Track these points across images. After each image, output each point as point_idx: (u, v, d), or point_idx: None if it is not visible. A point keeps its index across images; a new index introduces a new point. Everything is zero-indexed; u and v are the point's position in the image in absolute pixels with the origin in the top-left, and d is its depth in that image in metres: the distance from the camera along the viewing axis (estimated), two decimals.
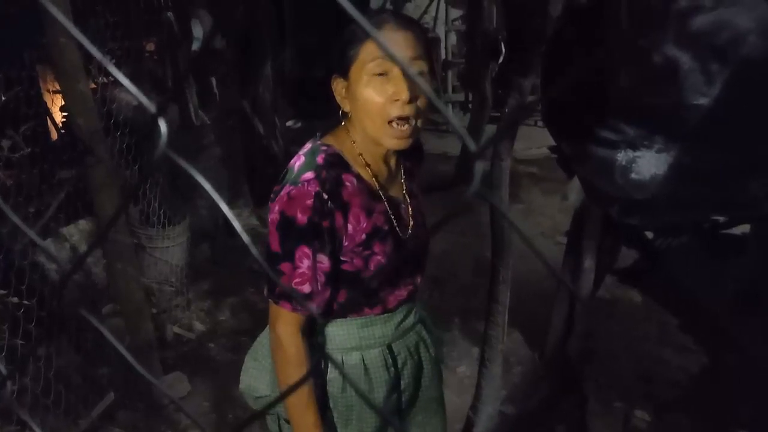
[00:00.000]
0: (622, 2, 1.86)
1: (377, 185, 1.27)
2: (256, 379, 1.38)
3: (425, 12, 8.01)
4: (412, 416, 1.44)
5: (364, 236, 1.22)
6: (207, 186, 0.36)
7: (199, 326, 3.31)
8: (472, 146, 0.32)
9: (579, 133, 1.97)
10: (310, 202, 1.15)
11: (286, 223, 1.17)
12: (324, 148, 1.24)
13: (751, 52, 1.67)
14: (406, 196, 1.35)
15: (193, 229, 3.72)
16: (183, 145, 4.01)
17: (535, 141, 5.74)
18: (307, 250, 1.17)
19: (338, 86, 1.25)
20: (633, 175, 1.95)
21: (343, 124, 1.28)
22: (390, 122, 1.18)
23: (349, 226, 1.21)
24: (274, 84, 4.93)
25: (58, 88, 3.73)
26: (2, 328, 1.78)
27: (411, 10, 7.86)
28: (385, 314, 1.33)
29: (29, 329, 2.16)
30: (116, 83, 3.34)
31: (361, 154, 1.26)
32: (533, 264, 3.82)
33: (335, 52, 1.24)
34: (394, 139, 1.20)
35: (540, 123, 6.83)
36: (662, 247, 3.55)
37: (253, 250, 0.39)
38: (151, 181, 3.34)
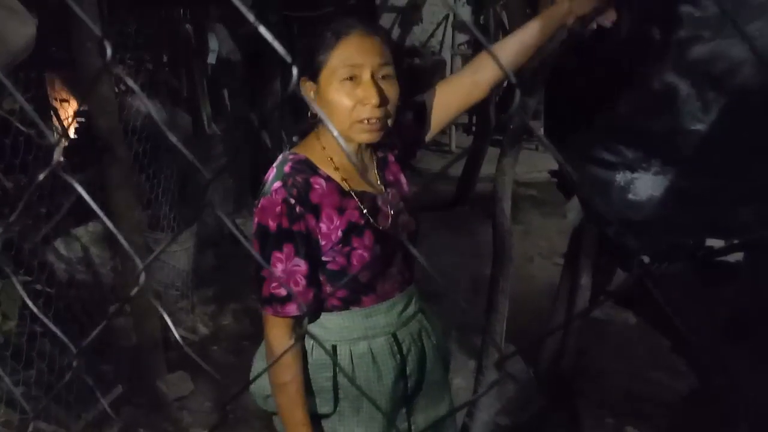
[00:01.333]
0: (624, 30, 1.95)
1: (348, 184, 1.32)
2: (264, 378, 1.42)
3: (432, 36, 8.16)
4: (417, 401, 1.50)
5: (340, 233, 1.28)
6: (328, 124, 0.46)
7: (202, 329, 3.38)
8: (513, 78, 0.42)
9: (580, 154, 2.05)
10: (278, 209, 1.23)
11: (261, 231, 1.25)
12: (291, 156, 1.31)
13: (745, 82, 1.75)
14: (383, 187, 1.40)
15: (199, 236, 3.79)
16: (194, 153, 4.09)
17: (535, 165, 5.84)
18: (279, 255, 1.24)
19: (307, 89, 1.30)
20: (630, 196, 2.03)
21: (314, 131, 1.36)
22: (360, 121, 1.25)
23: (323, 226, 1.27)
24: (282, 99, 5.04)
25: (65, 96, 3.83)
26: (24, 313, 1.85)
27: (418, 33, 8.00)
28: (386, 303, 1.38)
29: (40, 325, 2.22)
30: (130, 91, 3.43)
31: (331, 158, 1.32)
32: (532, 284, 3.90)
33: (304, 56, 1.29)
34: (364, 134, 1.27)
35: (541, 148, 6.94)
36: (657, 272, 3.62)
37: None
38: (163, 187, 3.43)
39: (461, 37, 8.04)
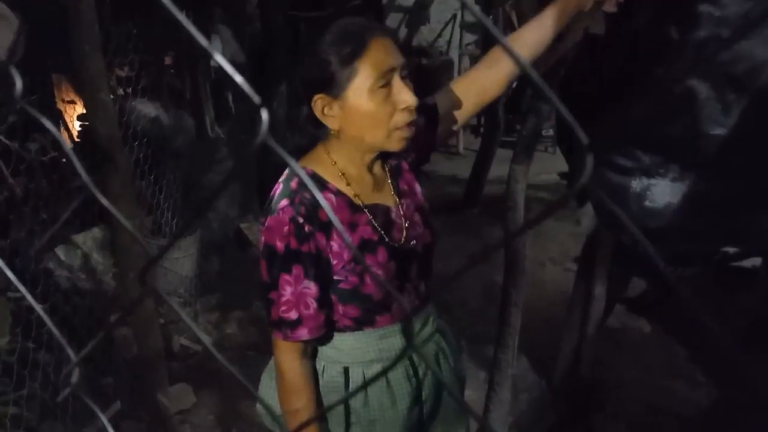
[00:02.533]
0: (640, 31, 1.88)
1: (360, 199, 1.25)
2: (273, 399, 1.34)
3: (439, 36, 8.09)
4: (433, 428, 1.42)
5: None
6: (299, 171, 0.38)
7: (206, 339, 3.31)
8: (584, 138, 0.34)
9: (594, 159, 1.97)
10: (286, 228, 1.15)
11: (268, 252, 1.17)
12: None
13: None
14: (396, 198, 1.32)
15: (204, 242, 3.73)
16: (198, 156, 4.05)
17: (545, 167, 5.75)
18: (288, 277, 1.16)
19: (322, 105, 1.19)
20: (647, 203, 1.95)
21: (320, 144, 1.27)
22: (399, 128, 1.19)
23: (334, 244, 1.19)
24: (288, 102, 4.98)
25: (72, 98, 3.79)
26: (15, 330, 1.79)
27: (425, 33, 7.94)
28: (401, 323, 1.31)
29: (41, 333, 2.16)
30: (134, 95, 3.38)
31: (342, 174, 1.24)
32: (543, 291, 3.81)
33: (316, 72, 1.18)
34: (402, 142, 1.21)
35: (551, 149, 6.85)
36: (673, 278, 3.54)
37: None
38: (165, 192, 3.37)
39: (469, 37, 7.98)
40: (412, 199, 1.36)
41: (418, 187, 1.40)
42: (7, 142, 2.22)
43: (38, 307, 0.67)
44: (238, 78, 0.37)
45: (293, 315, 1.18)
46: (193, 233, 3.56)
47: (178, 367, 2.89)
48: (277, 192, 1.21)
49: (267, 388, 1.40)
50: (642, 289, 3.61)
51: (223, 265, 4.05)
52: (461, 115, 1.42)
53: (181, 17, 0.39)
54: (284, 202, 1.16)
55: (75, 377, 0.57)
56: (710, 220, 1.95)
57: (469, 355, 3.11)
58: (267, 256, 1.18)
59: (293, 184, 1.19)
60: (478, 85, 1.40)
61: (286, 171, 1.23)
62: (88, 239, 3.32)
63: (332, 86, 1.17)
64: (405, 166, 1.39)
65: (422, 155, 1.44)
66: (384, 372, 0.57)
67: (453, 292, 3.76)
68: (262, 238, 1.19)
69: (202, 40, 0.38)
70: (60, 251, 3.17)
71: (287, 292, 1.17)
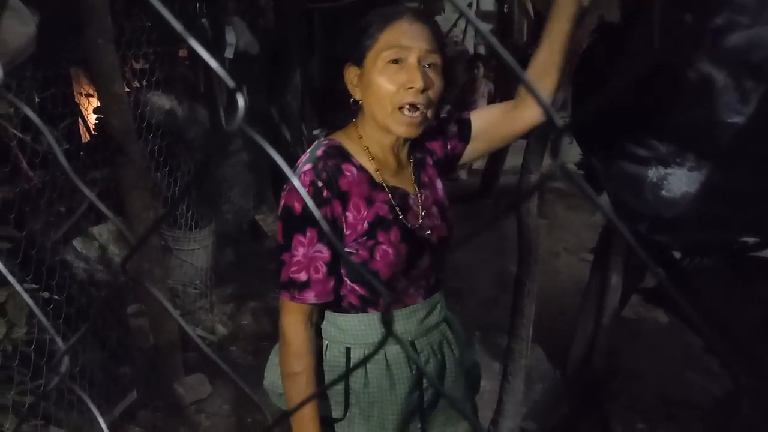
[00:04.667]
0: (656, 18, 1.85)
1: (381, 176, 1.27)
2: (278, 376, 1.36)
3: (454, 25, 8.04)
4: (434, 416, 1.42)
5: (366, 225, 1.22)
6: (281, 163, 0.38)
7: (221, 329, 3.33)
8: (558, 121, 0.34)
9: (609, 149, 1.95)
10: (305, 191, 1.17)
11: (286, 213, 1.20)
12: (326, 141, 1.27)
13: None
14: (416, 187, 1.34)
15: (219, 234, 3.75)
16: (212, 148, 4.06)
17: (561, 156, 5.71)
18: (302, 238, 1.19)
19: (351, 74, 1.27)
20: (663, 192, 1.93)
21: (353, 121, 1.31)
22: (401, 108, 1.20)
23: (349, 215, 1.21)
24: (301, 93, 4.98)
25: (90, 91, 3.81)
26: (32, 322, 1.82)
27: (441, 22, 7.89)
28: (407, 309, 1.32)
29: (57, 325, 2.19)
30: (149, 87, 3.39)
31: (367, 147, 1.28)
32: (557, 280, 3.79)
33: (350, 41, 1.26)
34: (403, 126, 1.22)
35: (567, 140, 6.81)
36: (689, 268, 3.50)
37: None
38: (180, 184, 3.39)
39: (484, 27, 7.92)
40: (431, 192, 1.37)
41: (439, 183, 1.41)
42: (20, 135, 2.23)
43: (26, 296, 0.67)
44: (213, 63, 0.37)
45: (303, 276, 1.20)
46: (209, 225, 3.58)
47: (194, 358, 2.91)
48: (303, 159, 1.24)
49: (273, 365, 1.42)
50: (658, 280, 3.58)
51: (238, 256, 4.08)
52: (489, 143, 1.43)
53: (157, 4, 0.39)
54: (307, 167, 1.20)
55: (63, 366, 0.58)
56: (727, 209, 1.93)
57: (482, 345, 3.11)
58: (284, 217, 1.21)
59: (319, 152, 1.23)
60: (504, 119, 1.39)
61: (315, 142, 1.28)
62: (104, 231, 3.35)
63: (356, 55, 1.24)
64: (429, 161, 1.41)
65: (447, 162, 1.44)
66: (372, 355, 0.57)
67: (465, 281, 3.75)
68: (282, 201, 1.21)
69: (176, 25, 0.38)
70: (77, 243, 3.20)
71: (299, 253, 1.19)
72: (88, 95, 3.83)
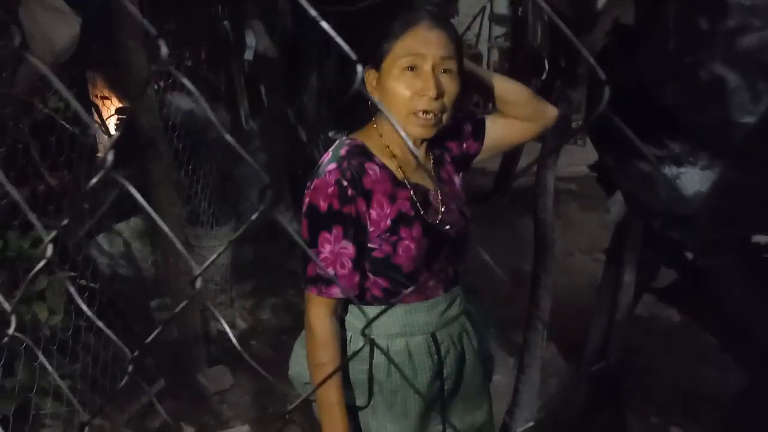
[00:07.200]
0: (670, 20, 1.89)
1: (402, 173, 1.33)
2: (303, 366, 1.41)
3: (468, 29, 8.08)
4: (453, 405, 1.48)
5: (389, 222, 1.28)
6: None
7: (241, 324, 3.41)
8: (602, 75, 0.41)
9: (624, 148, 2.00)
10: (331, 190, 1.23)
11: (311, 211, 1.26)
12: (348, 141, 1.33)
13: None
14: (436, 183, 1.39)
15: (238, 231, 3.82)
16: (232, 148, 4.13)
17: (574, 158, 5.74)
18: (328, 235, 1.24)
19: (370, 78, 1.32)
20: (677, 191, 1.98)
21: (372, 120, 1.37)
22: (415, 113, 1.25)
23: (373, 212, 1.27)
24: (318, 95, 5.05)
25: (105, 94, 3.90)
26: (69, 308, 1.90)
27: (455, 25, 7.94)
28: (428, 302, 1.37)
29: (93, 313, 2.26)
30: (173, 87, 3.47)
31: (387, 146, 1.34)
32: (572, 280, 3.83)
33: (370, 45, 1.31)
34: (418, 128, 1.27)
35: (580, 141, 6.82)
36: (703, 267, 3.53)
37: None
38: (203, 182, 3.46)
39: (498, 30, 7.97)
40: (450, 188, 1.43)
41: (457, 180, 1.47)
42: (70, 128, 2.31)
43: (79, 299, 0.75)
44: (341, 42, 0.44)
45: (329, 272, 1.26)
46: (229, 223, 3.66)
47: (216, 350, 2.99)
48: (326, 158, 1.30)
49: (298, 356, 1.48)
50: (672, 279, 3.61)
51: (257, 253, 4.14)
52: (503, 142, 1.50)
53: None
54: (332, 166, 1.26)
55: (131, 368, 0.65)
56: (740, 208, 1.97)
57: (498, 341, 3.16)
58: (310, 215, 1.26)
59: (342, 151, 1.29)
60: (515, 124, 1.46)
61: (337, 142, 1.35)
62: (128, 228, 3.43)
63: (375, 59, 1.29)
64: (448, 158, 1.47)
65: (462, 160, 1.50)
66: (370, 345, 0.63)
67: (481, 278, 3.80)
68: (307, 199, 1.27)
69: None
70: (102, 240, 3.29)
71: (326, 249, 1.25)
72: (104, 98, 3.91)
